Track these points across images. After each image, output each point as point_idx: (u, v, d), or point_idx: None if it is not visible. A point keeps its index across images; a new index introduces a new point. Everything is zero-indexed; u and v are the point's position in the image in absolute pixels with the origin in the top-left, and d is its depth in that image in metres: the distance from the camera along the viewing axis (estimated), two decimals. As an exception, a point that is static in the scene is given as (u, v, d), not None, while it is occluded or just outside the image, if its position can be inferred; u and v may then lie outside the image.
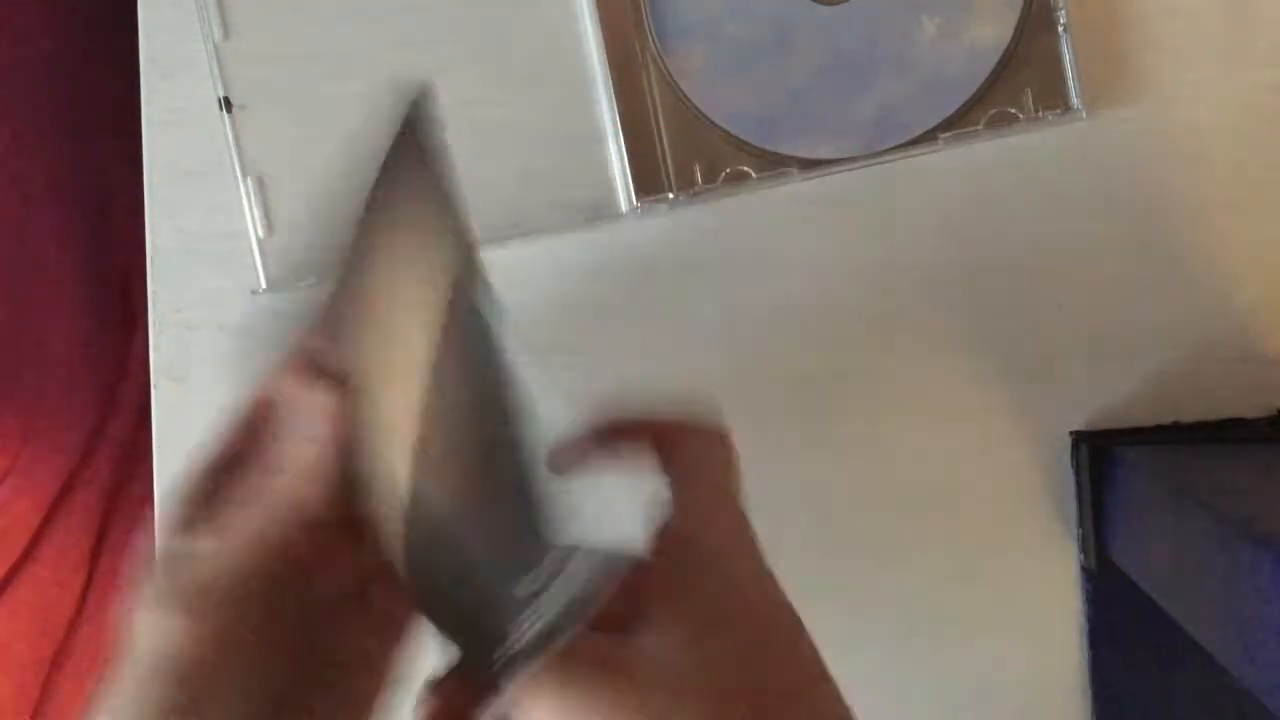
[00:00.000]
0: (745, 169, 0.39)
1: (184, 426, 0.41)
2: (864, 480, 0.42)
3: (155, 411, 0.42)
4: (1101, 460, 0.40)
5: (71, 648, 0.54)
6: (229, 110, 0.40)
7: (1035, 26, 0.38)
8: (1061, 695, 0.42)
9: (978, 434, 0.41)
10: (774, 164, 0.39)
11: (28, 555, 0.52)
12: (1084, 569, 0.41)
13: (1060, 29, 0.38)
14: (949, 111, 0.38)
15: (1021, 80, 0.38)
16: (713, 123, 0.39)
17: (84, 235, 0.52)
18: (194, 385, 0.41)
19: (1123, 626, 0.41)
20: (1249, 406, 0.40)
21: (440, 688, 0.28)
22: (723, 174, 0.39)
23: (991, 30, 0.38)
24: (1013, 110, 0.38)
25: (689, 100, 0.39)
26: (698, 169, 0.39)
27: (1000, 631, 0.42)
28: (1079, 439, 0.40)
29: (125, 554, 0.56)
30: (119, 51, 0.41)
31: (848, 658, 0.33)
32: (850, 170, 0.39)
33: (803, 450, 0.42)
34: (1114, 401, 0.41)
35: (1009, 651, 0.42)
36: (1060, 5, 0.38)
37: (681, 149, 0.39)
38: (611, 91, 0.38)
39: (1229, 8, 0.39)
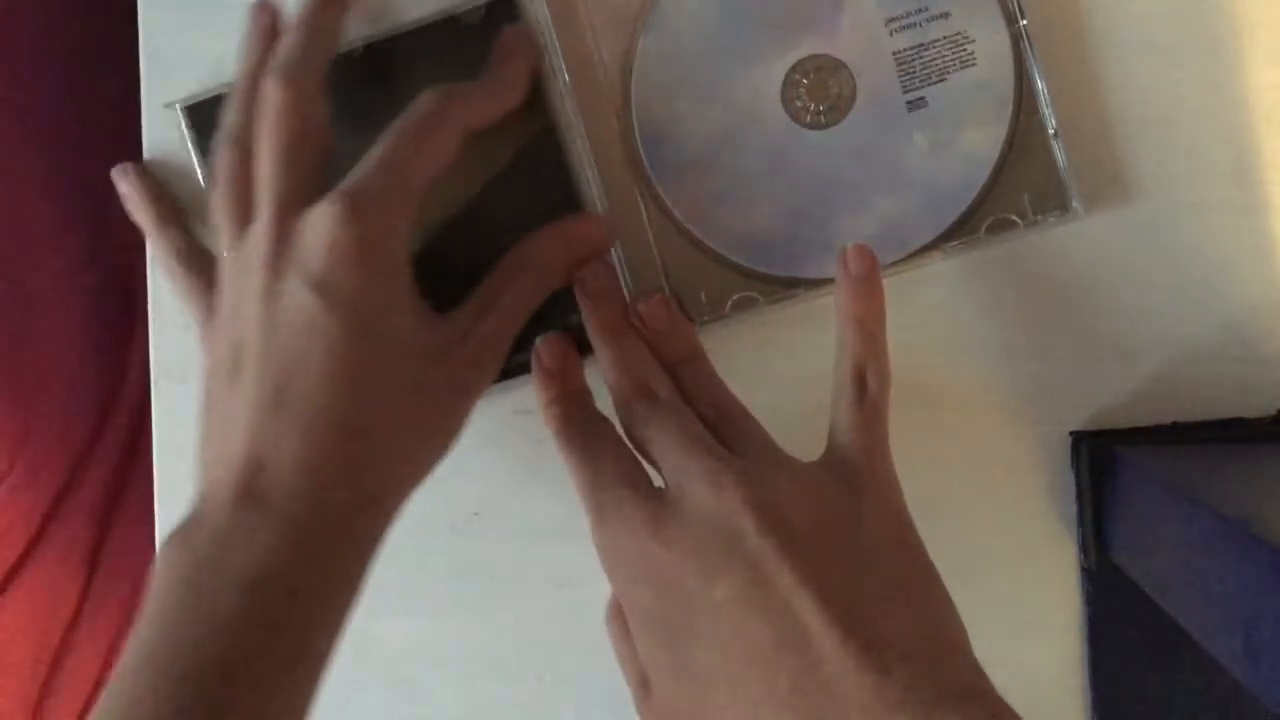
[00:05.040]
0: (753, 295, 0.39)
1: (184, 426, 0.41)
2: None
3: (155, 412, 0.42)
4: (1101, 460, 0.40)
5: (71, 647, 0.54)
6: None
7: (1027, 133, 0.38)
8: (1061, 695, 0.42)
9: (978, 434, 0.41)
10: (778, 286, 0.39)
11: (28, 555, 0.52)
12: (1084, 569, 0.41)
13: (1051, 133, 0.38)
14: (948, 223, 0.39)
15: (1018, 186, 0.39)
16: (713, 251, 0.39)
17: (83, 234, 0.52)
18: (194, 385, 0.41)
19: (1123, 626, 0.41)
20: (1249, 406, 0.40)
21: (550, 340, 0.37)
22: (730, 301, 0.39)
23: (983, 140, 0.38)
24: (1012, 216, 0.39)
25: (688, 231, 0.39)
26: (703, 297, 0.39)
27: (1000, 631, 0.42)
28: (1079, 439, 0.40)
29: (125, 554, 0.56)
30: (119, 48, 0.41)
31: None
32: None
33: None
34: (1114, 401, 0.41)
35: (1009, 651, 0.42)
36: (1049, 111, 0.38)
37: (685, 280, 0.39)
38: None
39: (1225, 16, 0.39)
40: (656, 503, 0.32)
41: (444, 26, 0.38)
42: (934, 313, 0.41)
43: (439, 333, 0.35)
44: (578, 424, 0.36)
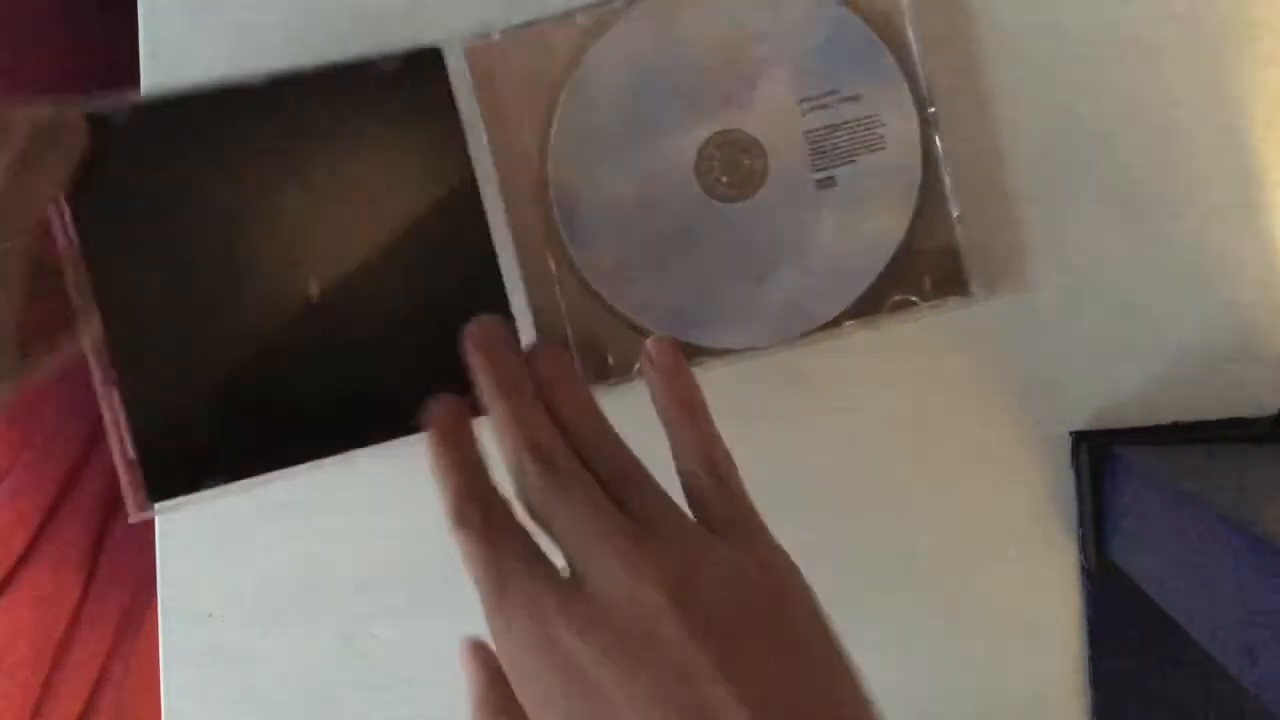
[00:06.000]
0: None
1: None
2: (863, 480, 0.42)
3: (155, 411, 0.42)
4: (1101, 460, 0.40)
5: (71, 647, 0.54)
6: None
7: (930, 218, 0.39)
8: (1061, 695, 0.42)
9: (978, 434, 0.41)
10: (686, 352, 0.39)
11: (28, 555, 0.52)
12: (1084, 569, 0.41)
13: (954, 219, 0.39)
14: (851, 300, 0.39)
15: (920, 268, 0.39)
16: (622, 315, 0.40)
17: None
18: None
19: (1123, 626, 0.41)
20: (1249, 406, 0.40)
21: (443, 402, 0.34)
22: (637, 365, 0.39)
23: (888, 222, 0.39)
24: (913, 298, 0.39)
25: (598, 294, 0.40)
26: (610, 359, 0.40)
27: (1000, 631, 0.42)
28: (1079, 439, 0.40)
29: (125, 554, 0.56)
30: (120, 50, 0.41)
31: (848, 658, 0.33)
32: (760, 358, 0.40)
33: (800, 450, 0.42)
34: (1114, 401, 0.41)
35: (1009, 651, 0.42)
36: (953, 198, 0.39)
37: (593, 342, 0.40)
38: (526, 297, 0.39)
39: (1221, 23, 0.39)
40: (567, 589, 0.31)
41: (355, 70, 0.37)
42: (932, 314, 0.41)
43: None
44: (478, 500, 0.33)
